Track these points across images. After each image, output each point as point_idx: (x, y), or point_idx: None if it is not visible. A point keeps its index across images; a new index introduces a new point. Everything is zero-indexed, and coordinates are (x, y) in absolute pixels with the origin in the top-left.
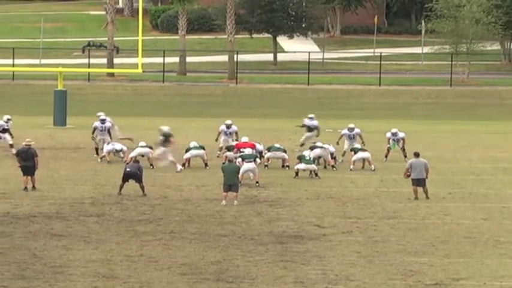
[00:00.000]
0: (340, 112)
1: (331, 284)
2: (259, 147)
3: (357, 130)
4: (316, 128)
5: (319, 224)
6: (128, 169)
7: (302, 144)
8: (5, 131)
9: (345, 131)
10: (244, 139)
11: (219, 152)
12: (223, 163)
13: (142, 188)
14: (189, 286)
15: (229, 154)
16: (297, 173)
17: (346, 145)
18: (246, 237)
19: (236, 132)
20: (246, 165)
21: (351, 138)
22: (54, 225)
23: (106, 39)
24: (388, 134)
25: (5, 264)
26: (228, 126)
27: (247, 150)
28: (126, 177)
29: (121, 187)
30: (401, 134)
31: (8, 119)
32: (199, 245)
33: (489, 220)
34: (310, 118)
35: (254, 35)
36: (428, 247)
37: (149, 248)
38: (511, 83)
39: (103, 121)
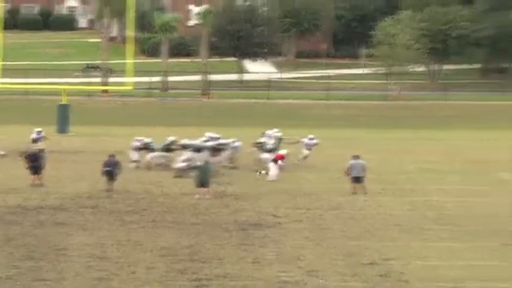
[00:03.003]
0: (295, 122)
1: (284, 263)
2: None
3: (314, 141)
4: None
5: (275, 214)
6: (107, 168)
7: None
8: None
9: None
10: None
11: None
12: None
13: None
14: (167, 266)
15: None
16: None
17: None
18: (215, 225)
19: None
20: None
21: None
22: (58, 215)
23: (101, 62)
24: (305, 140)
25: (16, 247)
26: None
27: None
28: (106, 175)
29: (107, 183)
30: (315, 141)
31: (39, 132)
32: (176, 231)
33: (415, 211)
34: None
35: (224, 59)
36: (365, 233)
37: (135, 234)
38: (435, 98)
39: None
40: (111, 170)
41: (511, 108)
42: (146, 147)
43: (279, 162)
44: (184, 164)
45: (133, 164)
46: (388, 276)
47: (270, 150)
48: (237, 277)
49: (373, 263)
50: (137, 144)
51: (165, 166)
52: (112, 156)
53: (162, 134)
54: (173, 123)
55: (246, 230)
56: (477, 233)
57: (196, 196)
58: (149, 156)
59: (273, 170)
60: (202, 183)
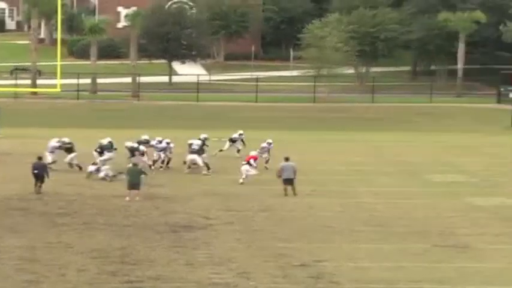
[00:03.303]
0: (224, 124)
1: (216, 265)
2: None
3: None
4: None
5: (206, 216)
6: (35, 171)
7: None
8: None
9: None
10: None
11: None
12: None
13: (40, 187)
14: (98, 268)
15: (133, 158)
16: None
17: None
18: (146, 227)
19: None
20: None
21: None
22: None
23: (30, 64)
24: (264, 144)
25: None
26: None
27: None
28: (35, 177)
29: (35, 185)
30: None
31: None
32: (107, 233)
33: (345, 212)
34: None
35: (153, 61)
36: (296, 235)
37: (66, 236)
38: (363, 101)
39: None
40: (39, 172)
41: (437, 110)
42: (65, 148)
43: (252, 162)
44: (94, 168)
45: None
46: (319, 278)
47: (195, 152)
48: (169, 279)
49: (304, 264)
50: (55, 145)
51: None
52: (40, 158)
53: (93, 136)
54: (103, 125)
55: (177, 232)
56: (407, 234)
57: (127, 198)
58: (68, 157)
59: (251, 171)
60: (133, 185)
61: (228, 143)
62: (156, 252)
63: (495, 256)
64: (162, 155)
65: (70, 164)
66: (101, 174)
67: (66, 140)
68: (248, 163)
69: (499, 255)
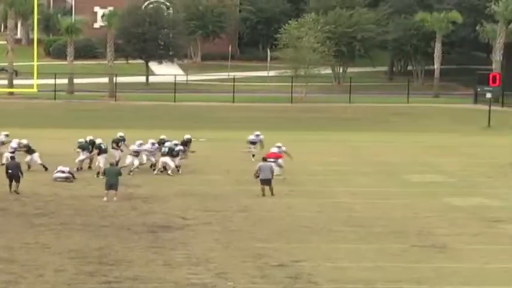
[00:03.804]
0: (201, 124)
1: (194, 265)
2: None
3: (261, 136)
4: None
5: (184, 216)
6: (9, 171)
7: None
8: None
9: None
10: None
11: None
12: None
13: (17, 187)
14: (76, 268)
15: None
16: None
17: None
18: (124, 227)
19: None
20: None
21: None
22: None
23: (7, 64)
24: (251, 137)
25: None
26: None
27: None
28: (9, 178)
29: (10, 186)
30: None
31: (6, 135)
32: (85, 234)
33: (323, 213)
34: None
35: (130, 61)
36: (274, 235)
37: (43, 236)
38: (341, 101)
39: None
40: (13, 172)
41: (414, 110)
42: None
43: (279, 161)
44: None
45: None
46: (297, 278)
47: (166, 154)
48: (147, 279)
49: (282, 264)
50: (15, 146)
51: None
52: (13, 158)
53: (70, 137)
54: (79, 125)
55: (155, 232)
56: (386, 234)
57: (105, 199)
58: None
59: (277, 171)
60: (111, 185)
61: (251, 146)
62: (133, 252)
63: (473, 256)
64: (153, 158)
65: (42, 165)
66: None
67: (24, 142)
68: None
69: (476, 255)
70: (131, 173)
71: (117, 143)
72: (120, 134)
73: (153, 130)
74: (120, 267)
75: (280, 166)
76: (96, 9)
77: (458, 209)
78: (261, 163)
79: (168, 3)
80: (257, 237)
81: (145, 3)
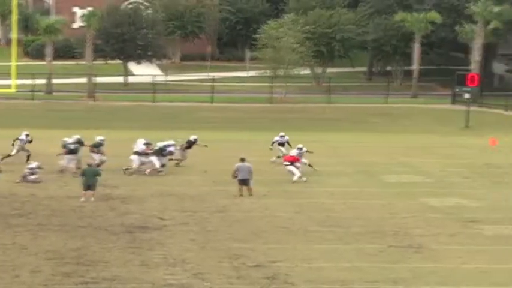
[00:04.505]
0: (180, 125)
1: (171, 266)
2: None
3: (286, 137)
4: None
5: (161, 217)
6: None
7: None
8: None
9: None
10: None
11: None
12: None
13: None
14: (52, 269)
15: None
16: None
17: None
18: (101, 228)
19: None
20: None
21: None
22: None
23: None
24: (276, 138)
25: None
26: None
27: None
28: None
29: None
30: (286, 137)
31: (27, 135)
32: (62, 234)
33: (300, 213)
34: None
35: (109, 61)
36: (251, 235)
37: (20, 237)
38: (320, 101)
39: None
40: None
41: (393, 111)
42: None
43: (297, 164)
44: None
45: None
46: (274, 279)
47: (154, 153)
48: (125, 280)
49: (259, 265)
50: None
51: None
52: None
53: (49, 137)
54: (58, 126)
55: (133, 232)
56: (362, 234)
57: (82, 199)
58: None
59: (296, 172)
60: (88, 186)
61: (280, 147)
62: (111, 253)
63: (449, 256)
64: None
65: None
66: (32, 178)
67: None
68: (291, 164)
69: (453, 256)
70: (162, 173)
71: (97, 146)
72: (99, 137)
73: (132, 131)
74: (97, 267)
75: (296, 167)
76: (75, 9)
77: (435, 209)
78: (239, 163)
79: (147, 4)
80: (234, 238)
81: (124, 4)
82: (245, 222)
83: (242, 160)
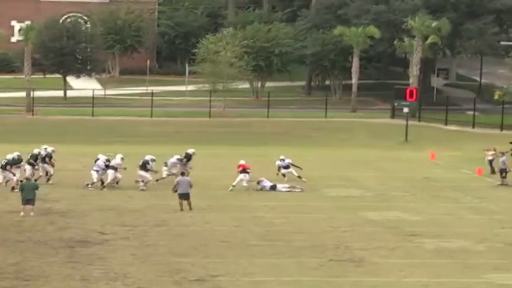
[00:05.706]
0: (120, 139)
1: (112, 280)
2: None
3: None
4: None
5: (102, 231)
6: None
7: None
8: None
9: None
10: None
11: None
12: (21, 181)
13: None
14: None
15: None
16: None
17: None
18: (41, 242)
19: None
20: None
21: None
22: None
23: None
24: (278, 162)
25: None
26: None
27: None
28: None
29: None
30: (287, 160)
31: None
32: (1, 249)
33: (241, 227)
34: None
35: (47, 75)
36: (191, 249)
37: None
38: (259, 115)
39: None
40: None
41: (332, 125)
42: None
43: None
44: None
45: None
46: None
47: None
48: None
49: (200, 279)
50: None
51: None
52: None
53: None
54: None
55: (73, 247)
56: (303, 248)
57: (22, 213)
58: None
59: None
60: (28, 200)
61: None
62: (51, 267)
63: (390, 270)
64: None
65: None
66: None
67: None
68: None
69: (394, 270)
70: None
71: (35, 159)
72: (51, 148)
73: (71, 144)
74: (37, 282)
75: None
76: (13, 23)
77: (375, 223)
78: (180, 177)
79: (85, 18)
80: (174, 252)
81: (63, 18)
82: (186, 236)
83: (182, 174)
